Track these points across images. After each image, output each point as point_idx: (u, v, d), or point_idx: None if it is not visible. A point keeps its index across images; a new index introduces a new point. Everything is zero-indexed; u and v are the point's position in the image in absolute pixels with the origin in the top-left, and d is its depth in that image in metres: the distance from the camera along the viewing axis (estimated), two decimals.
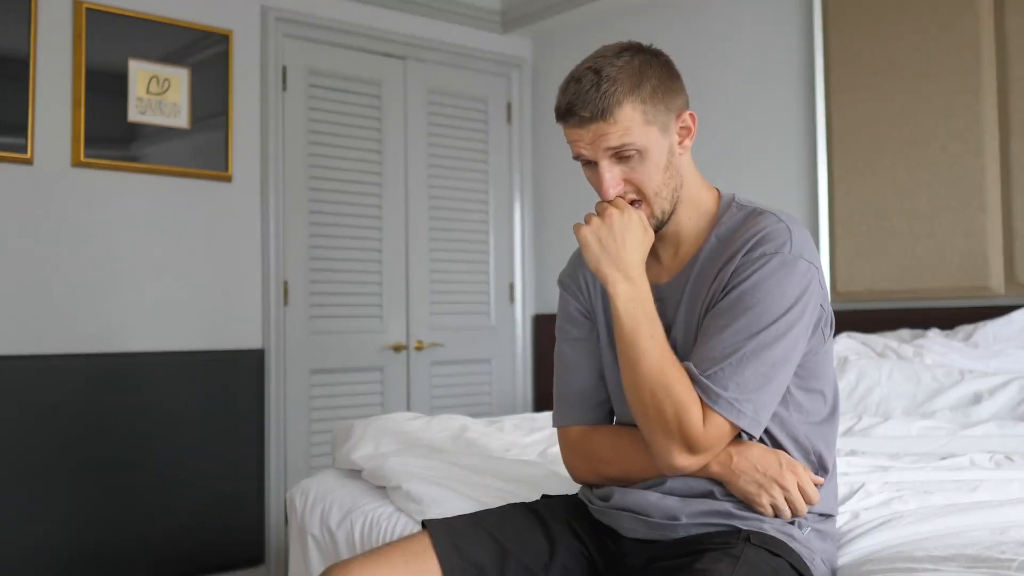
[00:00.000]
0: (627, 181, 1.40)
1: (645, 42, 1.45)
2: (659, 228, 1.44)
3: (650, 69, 1.39)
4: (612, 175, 1.39)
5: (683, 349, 1.41)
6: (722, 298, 1.36)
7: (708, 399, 1.31)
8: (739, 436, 1.37)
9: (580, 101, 1.36)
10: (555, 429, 1.59)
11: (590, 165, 1.43)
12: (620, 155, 1.38)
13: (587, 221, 1.41)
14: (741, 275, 1.34)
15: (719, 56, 3.71)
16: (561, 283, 1.62)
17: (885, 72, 3.18)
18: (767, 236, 1.35)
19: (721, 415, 1.30)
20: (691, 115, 1.44)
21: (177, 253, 3.46)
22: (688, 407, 1.30)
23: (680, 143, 1.42)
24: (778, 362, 1.32)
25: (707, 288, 1.39)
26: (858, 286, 3.22)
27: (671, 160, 1.41)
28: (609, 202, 1.41)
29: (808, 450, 1.42)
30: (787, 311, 1.32)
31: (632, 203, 1.42)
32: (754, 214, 1.41)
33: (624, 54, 1.39)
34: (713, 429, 1.31)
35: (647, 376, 1.33)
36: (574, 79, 1.38)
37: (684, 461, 1.33)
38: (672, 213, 1.44)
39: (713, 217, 1.46)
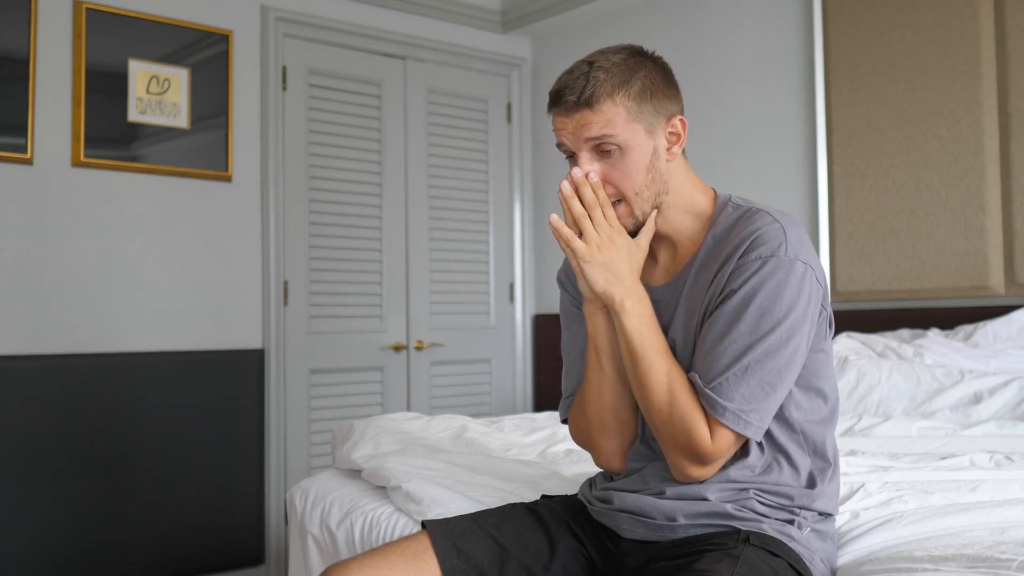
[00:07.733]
0: (606, 180, 1.39)
1: (647, 48, 1.46)
2: (635, 231, 1.42)
3: (643, 69, 1.40)
4: (591, 168, 1.39)
5: (682, 352, 1.41)
6: (720, 302, 1.35)
7: (715, 412, 1.32)
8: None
9: (569, 88, 1.38)
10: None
11: (573, 160, 1.42)
12: (600, 149, 1.38)
13: (582, 238, 1.37)
14: (738, 279, 1.34)
15: (719, 56, 3.71)
16: (559, 281, 1.63)
17: (885, 72, 3.18)
18: (761, 237, 1.34)
19: (728, 428, 1.32)
20: (682, 121, 1.43)
21: (177, 253, 3.46)
22: (695, 424, 1.32)
23: (668, 149, 1.42)
24: (783, 369, 1.33)
25: (705, 290, 1.39)
26: (858, 286, 3.22)
27: (655, 163, 1.40)
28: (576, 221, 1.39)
29: (809, 448, 1.43)
30: (788, 315, 1.32)
31: (614, 204, 1.40)
32: (749, 214, 1.40)
33: (622, 52, 1.42)
34: (721, 443, 1.33)
35: (656, 391, 1.35)
36: (568, 70, 1.42)
37: (696, 472, 1.36)
38: (655, 215, 1.43)
39: (709, 219, 1.46)
